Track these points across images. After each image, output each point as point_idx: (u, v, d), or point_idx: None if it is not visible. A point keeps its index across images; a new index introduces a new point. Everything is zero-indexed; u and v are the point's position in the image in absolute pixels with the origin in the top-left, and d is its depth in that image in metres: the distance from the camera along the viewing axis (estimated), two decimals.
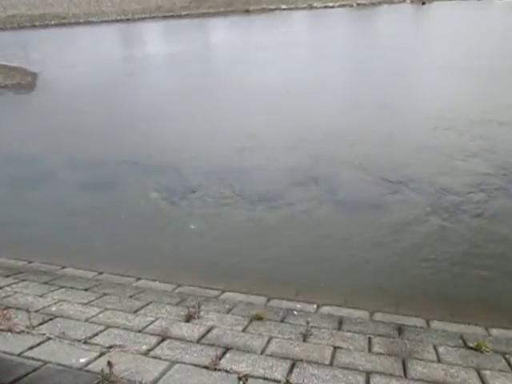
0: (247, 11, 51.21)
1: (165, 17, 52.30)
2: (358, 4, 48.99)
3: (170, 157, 9.08)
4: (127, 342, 3.54)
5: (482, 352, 3.53)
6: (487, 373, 3.26)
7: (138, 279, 5.09)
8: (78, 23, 50.86)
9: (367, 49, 21.81)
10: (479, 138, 8.93)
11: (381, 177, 7.45)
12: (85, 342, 3.48)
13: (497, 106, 10.80)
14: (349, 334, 3.79)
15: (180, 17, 51.45)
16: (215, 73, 19.52)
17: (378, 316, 4.20)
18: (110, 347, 3.43)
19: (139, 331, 3.74)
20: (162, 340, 3.60)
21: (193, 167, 8.44)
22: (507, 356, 3.50)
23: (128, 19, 52.72)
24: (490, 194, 6.63)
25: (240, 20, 43.83)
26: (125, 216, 6.86)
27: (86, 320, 3.90)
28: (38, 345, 3.42)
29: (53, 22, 51.19)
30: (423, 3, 45.20)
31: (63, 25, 49.58)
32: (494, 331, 3.97)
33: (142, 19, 52.05)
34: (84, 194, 7.75)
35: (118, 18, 54.00)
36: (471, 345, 3.63)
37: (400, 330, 3.89)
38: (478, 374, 3.25)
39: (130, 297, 4.51)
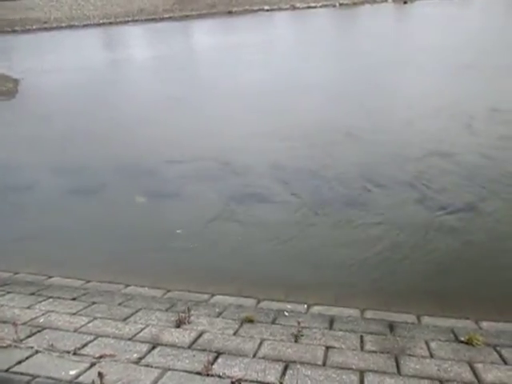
0: (230, 13, 51.16)
1: (148, 20, 52.00)
2: (341, 4, 49.20)
3: (154, 162, 9.00)
4: (118, 351, 3.49)
5: (473, 345, 3.55)
6: (479, 366, 3.28)
7: (127, 286, 5.03)
8: (60, 27, 50.31)
9: (349, 52, 21.95)
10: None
11: None
12: (74, 353, 3.43)
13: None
14: (340, 333, 3.78)
15: (163, 20, 51.19)
16: (198, 76, 19.43)
17: (369, 314, 4.19)
18: (101, 357, 3.37)
19: (129, 339, 3.69)
20: (153, 347, 3.56)
21: (178, 171, 8.39)
22: (498, 348, 3.52)
23: (111, 23, 52.33)
24: None
25: (223, 22, 43.77)
26: (112, 221, 6.78)
27: (75, 330, 3.84)
28: (27, 358, 3.36)
29: (34, 27, 50.58)
30: (405, 2, 45.47)
31: (45, 29, 49.04)
32: (485, 324, 4.00)
33: (125, 22, 51.71)
34: (69, 201, 7.64)
35: (101, 21, 53.58)
36: (462, 339, 3.65)
37: (391, 326, 3.90)
38: (471, 367, 3.27)
39: (119, 304, 4.45)
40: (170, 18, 51.67)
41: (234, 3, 53.32)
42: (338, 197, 6.87)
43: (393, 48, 20.53)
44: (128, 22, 52.08)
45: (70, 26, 50.40)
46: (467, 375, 3.17)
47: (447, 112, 10.27)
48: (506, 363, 3.31)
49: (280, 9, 50.66)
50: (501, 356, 3.41)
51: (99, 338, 3.68)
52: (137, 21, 51.80)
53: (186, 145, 9.87)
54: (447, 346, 3.56)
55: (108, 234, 6.45)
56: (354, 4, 48.66)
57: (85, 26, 50.60)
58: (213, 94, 14.80)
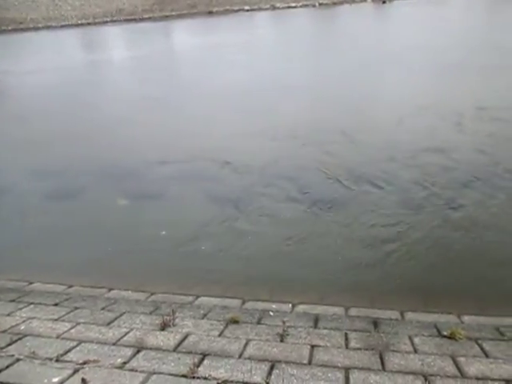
0: (210, 13, 51.07)
1: (127, 20, 51.57)
2: (320, 4, 49.57)
3: (136, 163, 8.91)
4: (101, 356, 3.44)
5: (456, 339, 3.60)
6: (462, 359, 3.33)
7: (110, 290, 4.96)
8: (36, 28, 49.53)
9: (332, 52, 22.10)
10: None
11: None
12: (57, 360, 3.36)
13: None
14: (325, 331, 3.80)
15: (142, 20, 50.82)
16: (180, 76, 19.33)
17: (353, 311, 4.22)
18: (84, 363, 3.33)
19: (113, 344, 3.64)
20: (138, 351, 3.52)
21: (161, 173, 8.33)
22: (480, 341, 3.58)
23: (89, 23, 51.75)
24: None
25: (203, 22, 43.63)
26: (93, 225, 6.69)
27: (58, 336, 3.77)
28: (7, 367, 3.28)
29: (10, 28, 49.69)
30: (384, 2, 46.03)
31: (21, 30, 48.18)
32: (466, 318, 4.06)
33: (104, 23, 51.20)
34: (48, 205, 7.52)
35: (79, 22, 52.95)
36: (445, 333, 3.70)
37: (375, 323, 3.93)
38: (454, 361, 3.32)
39: (103, 309, 4.39)
40: (149, 19, 51.32)
41: (214, 3, 53.25)
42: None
43: (376, 48, 20.72)
44: (107, 22, 51.56)
45: (48, 27, 49.65)
46: (450, 369, 3.21)
47: (435, 111, 10.39)
48: (487, 356, 3.37)
49: (260, 9, 50.80)
50: (482, 349, 3.47)
51: (82, 344, 3.63)
52: (116, 21, 51.32)
53: (170, 145, 9.80)
54: (430, 341, 3.61)
55: (89, 238, 6.35)
56: (334, 4, 49.10)
57: (62, 26, 49.91)
58: (195, 94, 14.74)
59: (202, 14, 50.00)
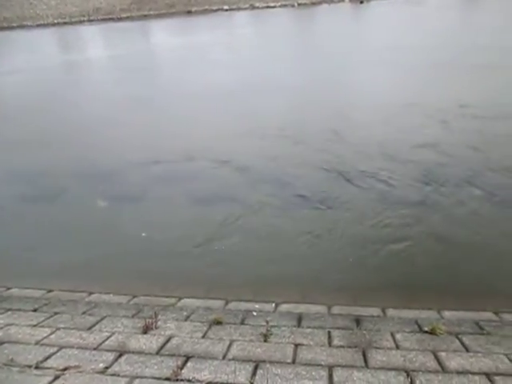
0: (189, 12, 50.80)
1: (104, 20, 50.91)
2: (299, 4, 49.80)
3: (117, 164, 8.80)
4: (83, 361, 3.38)
5: (436, 335, 3.67)
6: (443, 354, 3.39)
7: (91, 293, 4.88)
8: (11, 27, 48.45)
9: (314, 52, 22.21)
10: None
11: None
12: (36, 367, 3.29)
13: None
14: (308, 330, 3.82)
15: (120, 19, 50.23)
16: (160, 76, 19.16)
17: (336, 309, 4.25)
18: (65, 369, 3.26)
19: (95, 349, 3.58)
20: (120, 355, 3.47)
21: (141, 173, 8.24)
22: (460, 336, 3.65)
23: (65, 22, 50.89)
24: None
25: (182, 22, 43.37)
26: (73, 227, 6.58)
27: (37, 343, 3.69)
28: None
29: None
30: (361, 2, 46.56)
31: None
32: (447, 313, 4.13)
33: (81, 22, 50.45)
34: (26, 208, 7.36)
35: (55, 21, 52.02)
36: (426, 329, 3.75)
37: (358, 321, 3.97)
38: (435, 356, 3.37)
39: (83, 313, 4.32)
40: (127, 18, 50.78)
41: (193, 3, 52.99)
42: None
43: (357, 47, 20.91)
44: (84, 21, 50.82)
45: (22, 26, 48.65)
46: (432, 364, 3.26)
47: (420, 109, 10.55)
48: (467, 350, 3.44)
49: (239, 8, 50.78)
50: (463, 343, 3.53)
51: (63, 350, 3.56)
52: (93, 20, 50.63)
53: (152, 146, 9.68)
54: (412, 337, 3.66)
55: (68, 241, 6.24)
56: (313, 4, 49.40)
57: (38, 25, 48.97)
58: (176, 95, 14.63)
59: (181, 14, 49.68)
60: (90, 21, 50.79)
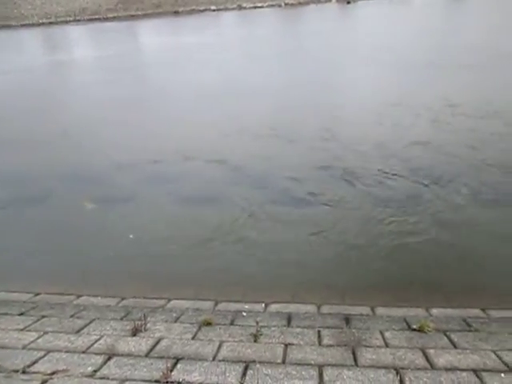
0: (176, 13, 50.60)
1: (91, 20, 50.51)
2: (286, 4, 49.92)
3: (105, 165, 8.73)
4: (71, 365, 3.35)
5: (425, 332, 3.70)
6: (431, 351, 3.42)
7: (79, 296, 4.83)
8: None
9: (297, 49, 22.25)
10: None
11: None
12: (23, 372, 3.25)
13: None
14: (298, 329, 3.82)
15: (106, 19, 49.86)
16: (147, 76, 19.06)
17: (325, 308, 4.26)
18: (53, 373, 3.23)
19: (83, 352, 3.55)
20: (109, 358, 3.44)
21: (128, 175, 8.19)
22: (448, 333, 3.69)
23: (51, 22, 50.35)
24: None
25: (169, 22, 43.17)
26: (60, 229, 6.50)
27: (24, 347, 3.64)
28: None
29: None
30: (348, 2, 46.88)
31: None
32: (435, 311, 4.17)
33: (67, 22, 49.94)
34: (11, 211, 7.25)
35: (40, 21, 51.45)
36: (415, 326, 3.79)
37: (347, 319, 3.98)
38: (423, 353, 3.41)
39: (71, 316, 4.27)
40: (114, 18, 50.42)
41: (180, 3, 52.81)
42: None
43: (345, 47, 21.04)
44: (70, 21, 50.34)
45: (7, 26, 48.01)
46: (421, 361, 3.29)
47: (408, 108, 10.69)
48: (455, 347, 3.47)
49: (227, 9, 50.74)
50: (451, 340, 3.57)
51: (50, 354, 3.52)
52: (79, 20, 50.19)
53: (139, 147, 9.63)
54: (401, 335, 3.68)
55: (56, 243, 6.17)
56: (300, 4, 49.58)
57: (23, 25, 48.37)
58: (163, 95, 14.56)
59: (168, 14, 49.48)
60: (76, 21, 50.33)
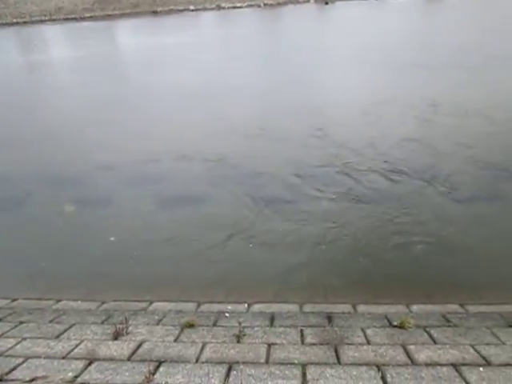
0: (155, 12, 50.15)
1: (67, 19, 49.64)
2: (265, 4, 49.99)
3: (87, 167, 8.59)
4: (50, 371, 3.28)
5: (405, 329, 3.76)
6: (412, 347, 3.47)
7: (58, 301, 4.74)
8: None
9: (279, 49, 22.29)
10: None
11: None
12: (1, 380, 3.17)
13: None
14: (281, 329, 3.83)
15: (83, 19, 49.11)
16: (125, 77, 18.83)
17: (308, 307, 4.29)
18: (32, 380, 3.16)
19: (63, 357, 3.49)
20: (90, 363, 3.39)
21: (109, 176, 8.08)
22: (428, 329, 3.75)
23: (25, 22, 49.28)
24: None
25: (148, 22, 42.77)
26: (38, 233, 6.38)
27: (1, 354, 3.56)
28: None
29: None
30: (326, 3, 47.22)
31: None
32: (415, 307, 4.24)
33: (42, 22, 48.96)
34: None
35: (14, 20, 50.31)
36: (395, 323, 3.84)
37: (329, 318, 4.01)
38: (404, 349, 3.45)
39: (51, 321, 4.19)
40: (91, 18, 49.69)
41: (158, 3, 52.34)
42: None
43: (325, 47, 21.15)
44: (45, 21, 49.39)
45: None
46: (402, 357, 3.34)
47: (393, 106, 10.86)
48: (435, 342, 3.54)
49: (206, 9, 50.52)
50: (431, 336, 3.63)
51: (29, 360, 3.44)
52: (55, 20, 49.29)
53: (123, 148, 9.51)
54: (382, 332, 3.73)
55: (35, 247, 6.04)
56: (279, 4, 49.69)
57: None
58: (143, 95, 14.39)
59: (146, 14, 49.00)
60: (51, 20, 49.38)
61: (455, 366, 3.19)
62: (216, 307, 4.38)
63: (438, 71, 14.24)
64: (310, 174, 7.51)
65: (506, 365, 3.19)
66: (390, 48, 18.84)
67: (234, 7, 50.01)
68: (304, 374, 3.15)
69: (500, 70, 13.71)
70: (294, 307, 4.29)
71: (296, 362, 3.31)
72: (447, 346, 3.46)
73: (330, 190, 6.89)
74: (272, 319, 4.04)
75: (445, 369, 3.16)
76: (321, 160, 8.00)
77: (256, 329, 3.84)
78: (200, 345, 3.59)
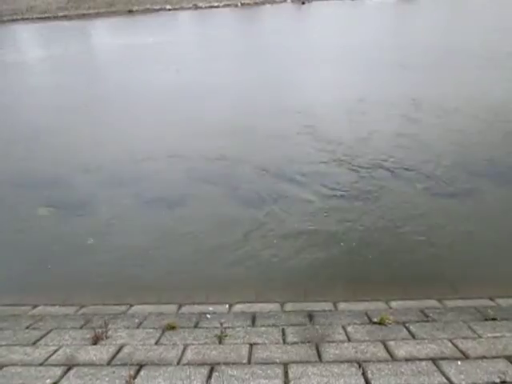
0: (130, 12, 49.51)
1: (40, 18, 48.54)
2: (242, 4, 49.90)
3: (61, 170, 8.42)
4: (27, 379, 3.21)
5: (385, 325, 3.81)
6: (392, 343, 3.52)
7: (35, 306, 4.63)
8: None
9: (256, 50, 22.30)
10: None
11: None
12: None
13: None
14: (263, 328, 3.84)
15: (57, 18, 48.13)
16: (100, 78, 18.55)
17: (289, 306, 4.30)
18: None
19: (41, 364, 3.41)
20: (69, 369, 3.32)
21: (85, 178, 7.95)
22: (407, 325, 3.81)
23: None
24: None
25: (123, 21, 42.20)
26: (12, 238, 6.22)
27: None
28: None
29: None
30: (303, 3, 47.46)
31: None
32: (394, 304, 4.30)
33: (13, 21, 47.79)
34: None
35: None
36: (375, 320, 3.89)
37: (310, 316, 4.03)
38: (384, 345, 3.50)
39: (27, 327, 4.09)
40: (65, 17, 48.75)
41: (133, 2, 51.68)
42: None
43: (303, 46, 21.23)
44: (17, 20, 48.24)
45: None
46: (382, 353, 3.38)
47: (376, 105, 10.99)
48: (414, 338, 3.59)
49: (182, 8, 50.12)
50: (410, 332, 3.69)
51: (4, 368, 3.35)
52: (27, 19, 48.15)
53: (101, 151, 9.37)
54: (362, 329, 3.77)
55: (9, 253, 5.90)
56: (256, 4, 49.68)
57: None
58: (119, 98, 14.20)
59: (122, 13, 48.31)
60: (24, 19, 48.25)
61: (434, 361, 3.24)
62: (197, 308, 4.35)
63: (417, 70, 14.51)
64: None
65: (483, 357, 3.26)
66: (367, 48, 19.04)
67: (211, 7, 49.76)
68: (286, 373, 3.16)
69: (463, 68, 14.08)
70: (275, 306, 4.30)
71: (278, 361, 3.32)
72: (426, 341, 3.52)
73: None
74: (254, 319, 4.04)
75: (424, 363, 3.21)
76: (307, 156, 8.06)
77: (238, 329, 3.83)
78: (181, 347, 3.57)
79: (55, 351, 3.59)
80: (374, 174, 7.26)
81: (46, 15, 49.85)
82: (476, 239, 5.44)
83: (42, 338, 3.86)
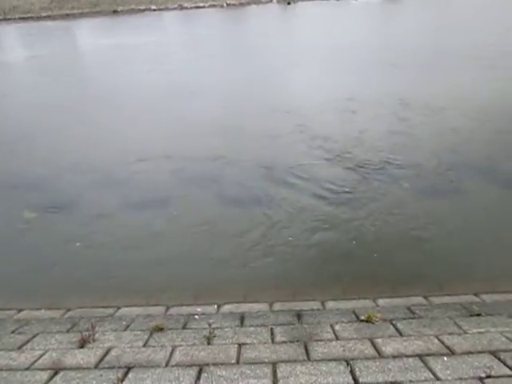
0: (115, 12, 49.11)
1: (23, 18, 47.87)
2: (228, 4, 49.87)
3: (45, 172, 8.33)
4: None
5: (372, 323, 3.84)
6: (379, 341, 3.55)
7: (20, 310, 4.57)
8: None
9: (243, 50, 22.29)
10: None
11: None
12: None
13: None
14: (251, 328, 3.84)
15: (40, 18, 47.51)
16: (85, 78, 18.36)
17: (277, 306, 4.31)
18: None
19: (26, 369, 3.36)
20: (55, 373, 3.28)
21: (72, 180, 7.86)
22: (394, 322, 3.85)
23: None
24: None
25: (108, 22, 41.85)
26: None
27: None
28: None
29: None
30: (289, 3, 47.68)
31: None
32: (381, 301, 4.34)
33: None
34: None
35: None
36: (363, 318, 3.92)
37: (299, 315, 4.05)
38: (372, 343, 3.52)
39: (12, 332, 4.03)
40: (48, 17, 48.15)
41: (118, 2, 51.26)
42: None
43: (289, 47, 21.27)
44: None
45: None
46: (369, 351, 3.41)
47: (364, 104, 11.11)
48: (401, 335, 3.63)
49: (167, 8, 49.90)
50: (397, 329, 3.72)
51: None
52: (9, 19, 47.47)
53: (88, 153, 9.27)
54: (350, 327, 3.79)
55: None
56: (241, 4, 49.70)
57: None
58: (103, 99, 14.06)
59: (106, 13, 47.91)
60: (6, 20, 47.56)
61: (421, 357, 3.28)
62: (185, 310, 4.33)
63: (405, 69, 14.67)
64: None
65: (469, 353, 3.31)
66: (355, 48, 19.19)
67: (197, 7, 49.64)
68: (275, 373, 3.17)
69: (451, 68, 14.27)
70: (263, 306, 4.30)
71: (267, 360, 3.33)
72: (413, 338, 3.55)
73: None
74: (242, 319, 4.04)
75: (411, 360, 3.25)
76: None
77: (226, 329, 3.83)
78: (170, 348, 3.55)
79: (41, 355, 3.55)
80: (367, 171, 7.35)
81: (29, 15, 49.20)
82: (461, 237, 5.51)
83: (27, 342, 3.81)
